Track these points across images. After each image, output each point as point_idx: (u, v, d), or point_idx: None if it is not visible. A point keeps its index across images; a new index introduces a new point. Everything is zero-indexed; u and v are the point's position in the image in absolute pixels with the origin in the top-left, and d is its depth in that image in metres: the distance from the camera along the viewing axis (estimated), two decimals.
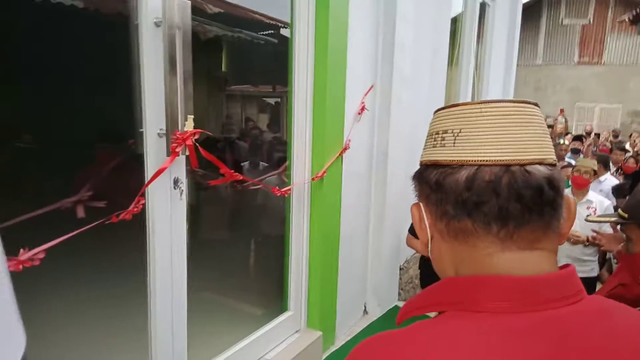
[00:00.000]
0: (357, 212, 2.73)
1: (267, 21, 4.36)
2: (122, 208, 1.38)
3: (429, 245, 0.64)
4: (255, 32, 4.27)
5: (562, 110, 11.64)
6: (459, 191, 0.57)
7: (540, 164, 0.56)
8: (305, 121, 2.22)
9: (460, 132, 0.58)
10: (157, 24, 1.42)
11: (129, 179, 1.45)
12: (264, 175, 2.62)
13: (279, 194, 1.95)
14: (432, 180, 0.60)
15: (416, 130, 3.19)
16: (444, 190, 0.58)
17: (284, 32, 4.46)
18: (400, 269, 3.39)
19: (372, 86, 2.65)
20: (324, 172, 2.22)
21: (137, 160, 1.50)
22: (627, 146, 8.16)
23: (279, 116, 6.98)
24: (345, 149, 2.40)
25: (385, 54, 2.67)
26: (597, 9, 14.67)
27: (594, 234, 2.59)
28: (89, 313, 1.82)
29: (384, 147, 2.77)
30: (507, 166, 0.55)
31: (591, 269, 3.70)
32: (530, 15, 14.79)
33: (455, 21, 4.32)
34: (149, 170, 1.47)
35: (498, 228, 0.55)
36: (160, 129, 1.47)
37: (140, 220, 1.49)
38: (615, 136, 11.57)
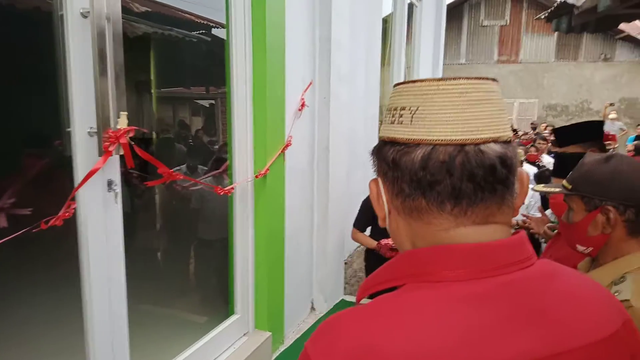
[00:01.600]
0: (301, 208, 2.72)
1: (199, 21, 4.23)
2: (51, 214, 1.27)
3: (387, 220, 0.65)
4: (188, 30, 4.13)
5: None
6: (414, 170, 0.57)
7: (495, 141, 0.57)
8: (246, 118, 2.17)
9: (417, 109, 0.58)
10: (84, 15, 1.32)
11: (58, 182, 1.33)
12: (204, 176, 2.54)
13: (222, 193, 1.89)
14: (389, 158, 0.60)
15: (355, 126, 3.25)
16: (400, 169, 0.59)
17: (217, 32, 4.35)
18: (345, 263, 3.43)
19: (311, 82, 2.65)
20: (267, 169, 2.19)
21: (66, 162, 1.39)
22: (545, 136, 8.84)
23: (214, 119, 6.81)
24: (287, 145, 2.38)
25: (322, 50, 2.68)
26: (512, 11, 15.77)
27: (524, 218, 2.78)
28: (20, 330, 1.66)
29: (325, 143, 2.78)
30: (461, 145, 0.56)
31: None
32: (453, 16, 15.60)
33: (385, 21, 4.44)
34: (80, 172, 1.36)
35: (452, 206, 0.57)
36: (91, 128, 1.37)
37: (72, 226, 1.38)
38: (534, 128, 12.50)
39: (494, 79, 0.60)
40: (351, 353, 0.51)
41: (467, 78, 0.57)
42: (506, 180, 0.57)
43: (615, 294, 0.99)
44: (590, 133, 1.96)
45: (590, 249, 1.13)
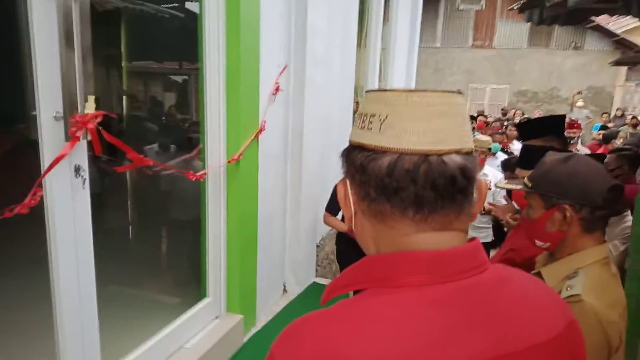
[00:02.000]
0: (274, 193, 2.73)
1: None
2: (17, 202, 1.24)
3: (353, 220, 0.68)
4: (159, 4, 4.00)
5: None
6: (381, 177, 0.60)
7: (457, 153, 0.60)
8: (219, 103, 2.14)
9: (386, 118, 0.61)
10: None
11: (23, 168, 1.30)
12: (176, 158, 2.50)
13: (193, 179, 1.88)
14: (357, 162, 0.63)
15: (329, 110, 3.24)
16: (367, 174, 0.61)
17: (190, 5, 4.22)
18: (317, 246, 3.47)
19: (285, 66, 2.63)
20: (240, 154, 2.18)
21: (32, 147, 1.35)
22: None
23: (187, 95, 6.66)
24: (261, 130, 2.37)
25: (298, 34, 2.65)
26: None
27: (489, 205, 2.87)
28: None
29: (299, 128, 2.78)
30: (426, 155, 0.59)
31: (486, 235, 4.12)
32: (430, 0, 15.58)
33: (362, 2, 4.41)
34: (46, 157, 1.33)
35: (414, 212, 0.60)
36: (57, 112, 1.33)
37: (39, 213, 1.35)
38: (504, 114, 12.76)
39: (459, 92, 0.63)
40: (316, 356, 0.53)
41: (434, 91, 0.60)
42: (465, 190, 0.61)
43: (568, 289, 1.05)
44: (552, 127, 2.03)
45: (548, 244, 1.19)
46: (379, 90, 0.64)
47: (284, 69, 2.59)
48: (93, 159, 1.72)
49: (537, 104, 15.90)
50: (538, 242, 1.20)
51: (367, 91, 0.67)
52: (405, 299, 0.57)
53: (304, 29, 2.63)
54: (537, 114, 12.85)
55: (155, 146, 3.26)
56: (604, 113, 12.45)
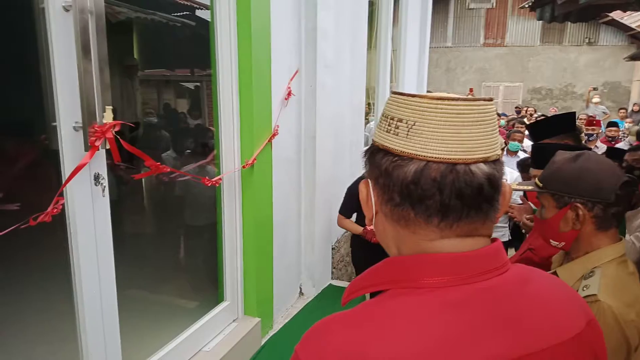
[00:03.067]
0: (289, 196, 2.75)
1: (183, 2, 4.16)
2: (39, 210, 1.28)
3: (374, 220, 0.68)
4: (170, 13, 4.07)
5: (471, 90, 12.46)
6: (406, 183, 0.60)
7: (485, 161, 0.60)
8: (232, 109, 2.17)
9: (414, 124, 0.60)
10: (66, 9, 1.31)
11: (45, 177, 1.34)
12: (191, 164, 2.54)
13: (209, 184, 1.91)
14: (382, 166, 0.63)
15: (341, 113, 3.26)
16: (392, 179, 0.61)
17: (200, 13, 4.28)
18: (333, 248, 3.48)
19: (297, 71, 2.65)
20: (254, 159, 2.21)
21: (53, 157, 1.39)
22: (526, 120, 8.92)
23: (200, 101, 6.74)
24: (274, 135, 2.39)
25: (308, 39, 2.68)
26: None
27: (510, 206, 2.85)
28: (13, 321, 1.67)
29: (311, 132, 2.80)
30: (453, 164, 0.59)
31: (503, 234, 4.09)
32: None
33: (371, 4, 4.42)
34: (67, 167, 1.37)
35: (439, 220, 0.60)
36: (76, 122, 1.37)
37: (61, 221, 1.39)
38: (518, 112, 12.61)
39: (490, 99, 0.63)
40: (341, 357, 0.54)
41: (465, 99, 0.60)
42: (492, 199, 0.61)
43: (584, 289, 1.05)
44: (562, 126, 2.01)
45: (563, 243, 1.18)
46: (407, 94, 0.63)
47: (295, 74, 2.61)
48: (112, 166, 1.76)
49: (552, 101, 15.68)
50: (553, 242, 1.20)
51: (392, 92, 0.67)
52: (427, 300, 0.58)
53: (314, 33, 2.66)
54: (552, 111, 12.70)
55: (171, 152, 3.32)
56: (621, 109, 12.23)
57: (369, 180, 0.67)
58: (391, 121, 0.63)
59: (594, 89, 12.90)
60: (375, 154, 0.65)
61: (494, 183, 0.60)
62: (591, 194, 1.11)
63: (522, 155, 5.13)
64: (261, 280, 2.45)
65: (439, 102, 0.59)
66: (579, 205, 1.12)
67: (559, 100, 15.66)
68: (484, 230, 0.63)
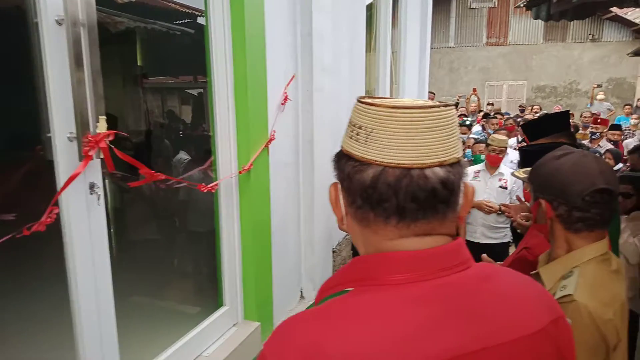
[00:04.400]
0: (287, 201, 2.76)
1: (183, 10, 4.20)
2: (36, 220, 1.30)
3: (344, 221, 0.71)
4: (171, 22, 4.11)
5: (474, 90, 12.44)
6: (365, 187, 0.64)
7: (440, 165, 0.62)
8: (228, 114, 2.19)
9: (372, 131, 0.64)
10: (59, 22, 1.33)
11: (41, 187, 1.36)
12: (190, 171, 2.56)
13: (205, 191, 1.93)
14: (345, 171, 0.67)
15: (339, 116, 3.27)
16: (353, 183, 0.65)
17: (202, 20, 4.32)
18: (334, 251, 3.49)
19: (293, 76, 2.67)
20: (251, 164, 2.22)
21: (48, 167, 1.41)
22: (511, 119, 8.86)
23: (203, 107, 6.79)
24: (271, 140, 2.41)
25: (304, 44, 2.69)
26: None
27: (503, 207, 2.86)
28: (10, 330, 1.70)
29: (309, 136, 2.81)
30: (408, 169, 0.62)
31: (504, 235, 4.08)
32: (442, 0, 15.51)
33: (370, 8, 4.44)
34: (61, 177, 1.39)
35: (396, 221, 0.64)
36: (70, 133, 1.39)
37: (56, 230, 1.41)
38: (522, 110, 12.57)
39: (446, 104, 0.65)
40: (300, 351, 0.57)
41: (419, 107, 0.62)
42: (448, 200, 0.63)
43: (562, 289, 1.05)
44: (556, 125, 2.02)
45: (542, 234, 1.21)
46: (367, 102, 0.67)
47: (291, 79, 2.63)
48: (112, 174, 1.78)
49: (557, 98, 15.62)
50: (537, 231, 1.23)
51: (358, 99, 0.69)
52: (387, 296, 0.61)
53: (310, 38, 2.67)
54: (557, 109, 12.65)
55: (183, 154, 3.36)
56: (626, 105, 12.14)
57: (337, 182, 0.70)
58: (353, 127, 0.66)
59: (598, 85, 12.83)
60: (340, 158, 0.68)
61: (449, 186, 0.63)
62: (556, 193, 1.13)
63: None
64: (260, 285, 2.47)
65: (394, 110, 0.62)
66: (542, 201, 1.14)
67: (563, 98, 15.59)
68: (443, 230, 0.65)
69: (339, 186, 0.70)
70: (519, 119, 8.22)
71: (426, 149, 0.62)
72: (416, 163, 0.62)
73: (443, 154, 0.63)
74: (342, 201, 0.70)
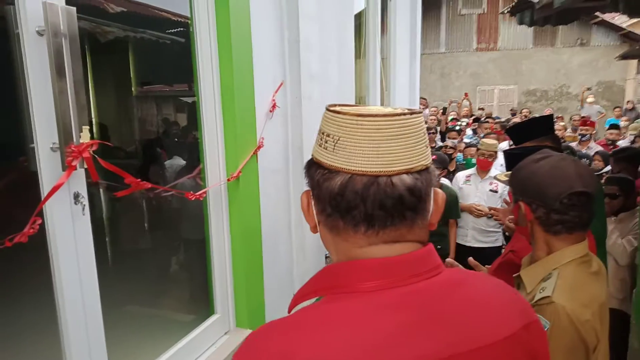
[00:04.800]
0: (278, 207, 2.76)
1: (174, 18, 4.20)
2: (20, 231, 1.29)
3: (318, 229, 0.72)
4: (161, 31, 4.11)
5: (466, 94, 12.51)
6: (333, 195, 0.64)
7: (408, 172, 0.63)
8: (216, 122, 2.20)
9: (339, 139, 0.65)
10: (40, 33, 1.34)
11: (25, 198, 1.36)
12: (179, 178, 2.55)
13: (192, 199, 1.93)
14: (315, 179, 0.67)
15: None
16: (322, 191, 0.65)
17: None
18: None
19: (282, 83, 2.68)
20: (239, 172, 2.23)
21: (33, 178, 1.41)
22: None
23: (193, 115, 6.76)
24: (260, 147, 2.41)
25: (291, 51, 2.71)
26: None
27: (491, 210, 2.88)
28: None
29: (298, 143, 2.82)
30: (375, 177, 0.62)
31: (495, 239, 4.09)
32: (432, 5, 15.68)
33: (359, 16, 4.48)
34: (45, 187, 1.39)
35: (365, 229, 0.64)
36: (54, 143, 1.39)
37: (43, 241, 1.41)
38: (513, 114, 12.67)
39: (413, 112, 0.65)
40: (270, 358, 0.56)
41: (384, 115, 0.63)
42: (415, 207, 0.64)
43: (541, 291, 1.06)
44: (540, 129, 2.04)
45: (524, 237, 1.22)
46: (335, 110, 0.67)
47: (280, 86, 2.64)
48: (94, 184, 1.77)
49: (548, 102, 15.77)
50: (519, 233, 1.24)
51: (327, 107, 0.70)
52: (358, 304, 0.61)
53: (297, 45, 2.69)
54: (547, 112, 12.73)
55: (176, 159, 3.34)
56: (615, 107, 12.27)
57: (307, 191, 0.71)
58: (322, 135, 0.67)
59: (588, 89, 12.96)
60: (311, 166, 0.69)
61: (416, 193, 0.64)
62: (534, 196, 1.14)
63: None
64: (252, 292, 2.46)
65: (360, 118, 0.63)
66: (521, 204, 1.15)
67: (554, 102, 15.73)
68: (412, 236, 0.66)
69: (311, 194, 0.71)
70: (504, 123, 8.28)
71: (393, 157, 0.63)
72: (383, 171, 0.63)
73: (409, 161, 0.64)
74: (313, 209, 0.71)
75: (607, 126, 9.18)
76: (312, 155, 0.71)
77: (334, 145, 0.65)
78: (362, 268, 0.63)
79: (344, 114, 0.64)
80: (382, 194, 0.62)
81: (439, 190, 0.70)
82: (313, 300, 0.71)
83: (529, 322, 0.67)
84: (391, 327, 0.58)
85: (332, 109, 0.68)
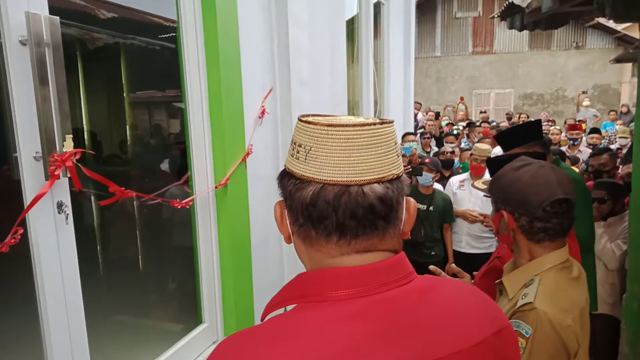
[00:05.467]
0: (268, 214, 2.73)
1: (165, 23, 4.20)
2: (2, 241, 1.29)
3: (292, 239, 0.72)
4: (153, 37, 4.11)
5: (462, 98, 12.55)
6: (305, 205, 0.64)
7: (379, 182, 0.63)
8: (203, 128, 2.19)
9: (310, 149, 0.65)
10: (23, 43, 1.33)
11: (8, 208, 1.35)
12: (166, 187, 2.55)
13: (179, 207, 1.92)
14: (287, 189, 0.67)
15: None
16: (294, 201, 0.65)
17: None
18: None
19: (271, 89, 2.68)
20: (227, 179, 2.22)
21: (16, 187, 1.40)
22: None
23: (184, 121, 6.74)
24: (248, 153, 2.41)
25: (281, 57, 2.71)
26: (484, 2, 15.96)
27: (480, 216, 2.88)
28: None
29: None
30: (347, 186, 0.62)
31: (489, 245, 4.08)
32: (427, 9, 15.74)
33: (352, 21, 4.49)
34: (28, 196, 1.38)
35: (337, 238, 0.64)
36: (37, 152, 1.38)
37: (25, 251, 1.40)
38: (509, 118, 12.69)
39: (383, 122, 0.66)
40: None
41: (354, 125, 0.64)
42: (387, 216, 0.64)
43: (523, 297, 1.06)
44: (529, 134, 2.04)
45: (505, 245, 1.22)
46: (306, 120, 0.68)
47: (269, 92, 2.64)
48: (78, 193, 1.76)
49: (544, 106, 15.81)
50: (501, 242, 1.24)
51: (299, 117, 0.70)
52: (328, 313, 0.61)
53: (287, 51, 2.69)
54: (543, 116, 12.79)
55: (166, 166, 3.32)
56: (611, 111, 12.32)
57: (280, 202, 0.71)
58: (294, 146, 0.68)
59: (584, 92, 13.01)
60: (283, 176, 0.69)
61: (387, 202, 0.64)
62: (517, 205, 1.14)
63: None
64: (241, 301, 2.45)
65: (330, 128, 0.63)
66: (504, 213, 1.15)
67: (550, 105, 15.78)
68: (384, 246, 0.66)
69: (284, 204, 0.71)
70: (499, 128, 8.30)
71: (363, 166, 0.64)
72: (354, 180, 0.63)
73: (380, 171, 0.64)
74: (287, 219, 0.71)
75: (603, 129, 9.23)
76: (285, 165, 0.71)
77: (306, 155, 0.65)
78: (334, 277, 0.64)
79: (315, 124, 0.65)
80: (353, 204, 0.62)
81: (411, 199, 0.70)
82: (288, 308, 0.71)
83: (501, 329, 0.67)
84: (360, 335, 0.58)
85: (303, 119, 0.68)
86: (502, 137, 2.18)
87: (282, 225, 0.72)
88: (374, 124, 0.65)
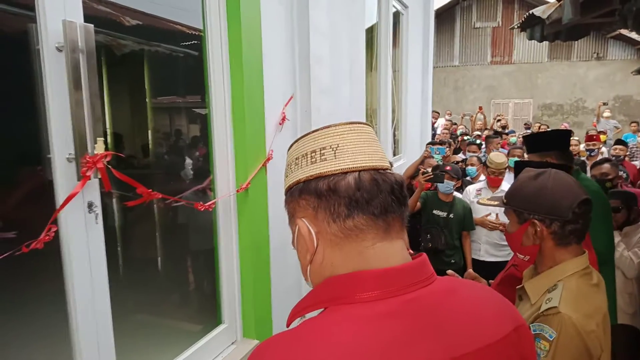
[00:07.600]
0: (286, 219, 2.79)
1: (188, 31, 4.30)
2: (35, 238, 1.34)
3: (314, 257, 0.73)
4: (177, 45, 4.21)
5: (480, 108, 12.47)
6: (352, 192, 0.69)
7: (387, 169, 0.74)
8: (226, 135, 2.25)
9: (338, 146, 0.70)
10: (59, 49, 1.40)
11: (41, 206, 1.41)
12: (187, 190, 2.60)
13: (202, 209, 1.97)
14: (322, 189, 0.70)
15: None
16: (338, 193, 0.69)
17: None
18: None
19: (291, 97, 2.73)
20: (248, 183, 2.27)
21: (49, 187, 1.46)
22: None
23: (206, 126, 6.84)
24: (269, 159, 2.46)
25: (302, 65, 2.76)
26: (504, 12, 15.89)
27: (501, 226, 2.87)
28: (7, 351, 1.72)
29: None
30: (376, 170, 0.68)
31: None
32: (446, 19, 15.73)
33: (371, 29, 4.53)
34: (61, 196, 1.44)
35: (383, 219, 0.68)
36: (69, 154, 1.44)
37: (56, 248, 1.45)
38: (527, 128, 12.56)
39: (366, 123, 0.78)
40: None
41: (359, 123, 0.75)
42: (405, 197, 0.71)
43: (547, 302, 1.07)
44: (556, 142, 2.04)
45: (528, 257, 1.22)
46: (321, 128, 0.75)
47: (289, 100, 2.69)
48: (106, 194, 1.82)
49: (564, 116, 15.60)
50: (519, 255, 1.24)
51: (299, 137, 0.76)
52: (358, 314, 0.63)
53: (308, 60, 2.74)
54: (563, 126, 12.62)
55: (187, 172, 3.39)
56: (632, 122, 12.09)
57: (301, 219, 0.72)
58: (313, 154, 0.71)
59: (604, 103, 12.79)
60: (306, 186, 0.71)
61: (400, 185, 0.73)
62: (548, 211, 1.15)
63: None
64: (259, 303, 2.48)
65: (352, 125, 0.72)
66: (536, 221, 1.16)
67: (570, 116, 15.57)
68: (403, 234, 0.73)
69: (306, 221, 0.73)
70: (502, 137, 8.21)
71: (379, 155, 0.74)
72: (378, 165, 0.72)
73: (385, 160, 0.75)
74: (314, 233, 0.73)
75: (625, 139, 9.05)
76: (300, 179, 0.73)
77: (334, 153, 0.70)
78: (362, 279, 0.66)
79: (337, 125, 0.71)
80: (388, 182, 0.70)
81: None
82: (316, 312, 0.72)
83: (518, 325, 0.70)
84: (392, 334, 0.61)
85: (314, 130, 0.75)
86: (530, 139, 2.19)
87: (309, 239, 0.74)
88: (366, 123, 0.77)
